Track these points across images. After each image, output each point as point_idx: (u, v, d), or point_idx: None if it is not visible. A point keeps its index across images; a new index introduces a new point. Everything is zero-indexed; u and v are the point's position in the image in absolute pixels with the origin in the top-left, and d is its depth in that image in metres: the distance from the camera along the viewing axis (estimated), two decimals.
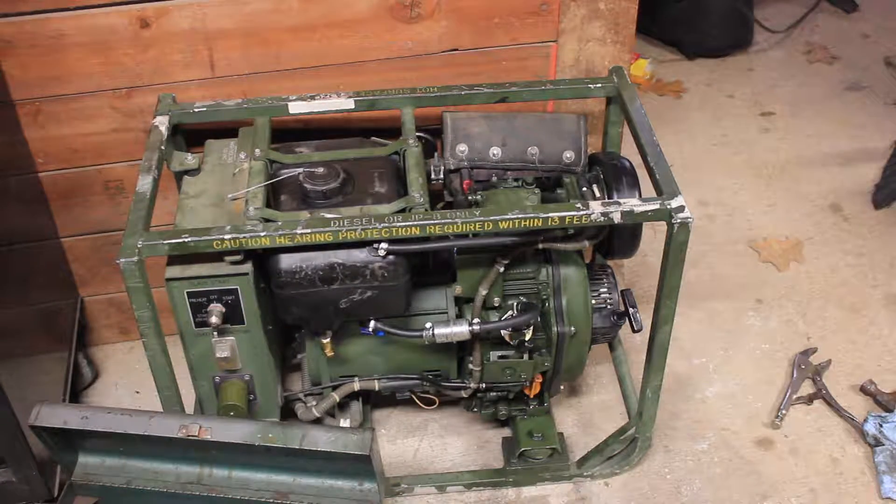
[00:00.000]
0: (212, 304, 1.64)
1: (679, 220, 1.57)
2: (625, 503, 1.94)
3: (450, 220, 1.56)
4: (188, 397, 1.74)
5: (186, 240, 1.53)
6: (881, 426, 2.02)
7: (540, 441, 1.94)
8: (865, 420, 2.05)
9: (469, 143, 1.79)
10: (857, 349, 2.26)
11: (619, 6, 1.92)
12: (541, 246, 1.72)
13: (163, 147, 1.72)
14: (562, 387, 1.96)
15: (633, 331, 1.83)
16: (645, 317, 1.79)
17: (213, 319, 1.62)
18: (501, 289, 1.76)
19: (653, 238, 2.44)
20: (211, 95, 1.89)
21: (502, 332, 1.73)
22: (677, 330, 1.78)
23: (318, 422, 1.85)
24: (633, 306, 1.84)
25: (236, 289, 1.63)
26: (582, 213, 1.57)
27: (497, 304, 1.76)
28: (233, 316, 1.66)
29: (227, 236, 1.53)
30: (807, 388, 2.16)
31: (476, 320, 1.71)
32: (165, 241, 1.53)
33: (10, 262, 1.86)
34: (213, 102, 1.83)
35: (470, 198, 1.74)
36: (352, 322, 1.76)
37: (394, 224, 1.55)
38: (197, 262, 1.62)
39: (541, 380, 1.86)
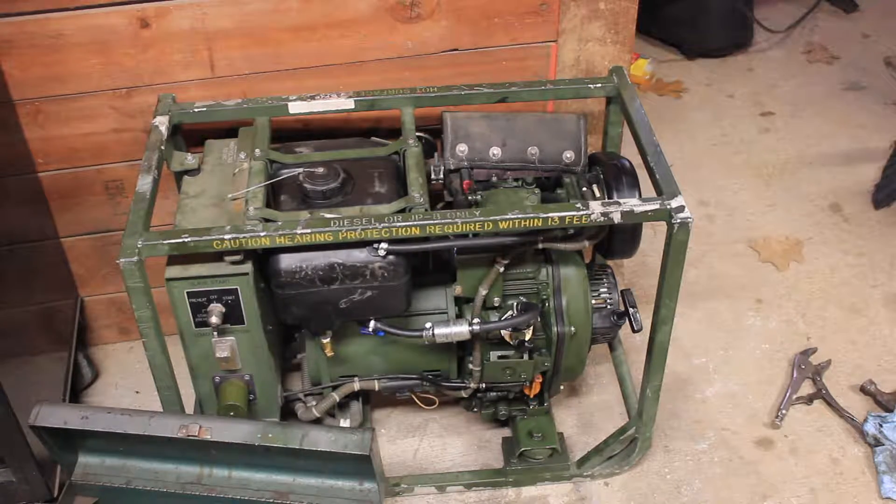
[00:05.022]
0: (212, 304, 1.64)
1: (679, 220, 1.57)
2: (625, 503, 1.94)
3: (450, 220, 1.56)
4: (188, 397, 1.74)
5: (186, 240, 1.53)
6: (881, 426, 2.02)
7: (540, 441, 1.94)
8: (865, 420, 2.05)
9: (469, 143, 1.79)
10: (857, 349, 2.26)
11: (619, 6, 1.92)
12: (541, 246, 1.72)
13: (163, 147, 1.72)
14: (562, 387, 1.96)
15: (633, 331, 1.83)
16: (645, 317, 1.79)
17: (213, 319, 1.62)
18: (501, 289, 1.76)
19: (653, 238, 2.44)
20: (211, 95, 1.89)
21: (502, 332, 1.73)
22: (677, 330, 1.78)
23: (318, 422, 1.85)
24: (633, 306, 1.83)
25: (236, 289, 1.63)
26: (582, 213, 1.57)
27: (497, 304, 1.76)
28: (233, 316, 1.66)
29: (227, 236, 1.53)
30: (807, 388, 2.16)
31: (476, 320, 1.71)
32: (165, 241, 1.53)
33: (10, 262, 1.86)
34: (213, 102, 1.83)
35: (470, 198, 1.74)
36: (352, 322, 1.76)
37: (394, 224, 1.55)
38: (197, 262, 1.62)
39: (541, 380, 1.86)
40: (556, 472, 1.96)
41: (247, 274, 1.62)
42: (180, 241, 1.53)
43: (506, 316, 1.74)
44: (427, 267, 1.84)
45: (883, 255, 2.51)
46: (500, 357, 1.80)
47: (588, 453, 1.97)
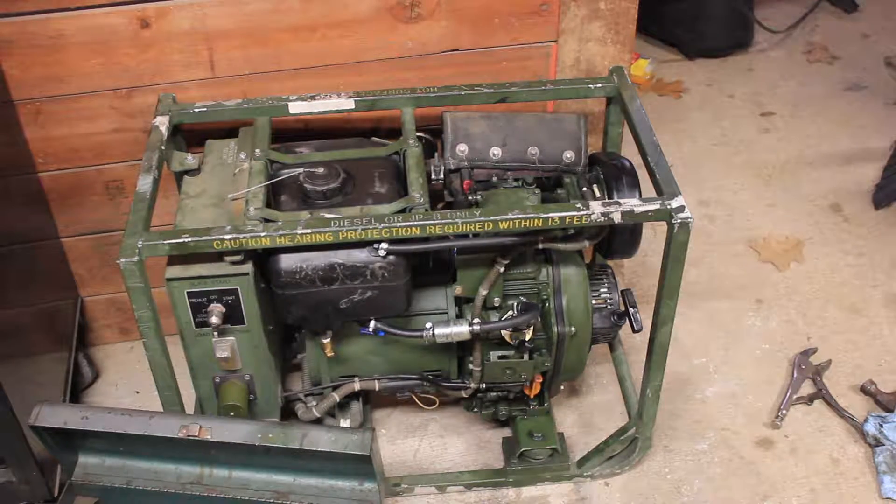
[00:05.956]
0: (212, 304, 1.63)
1: (679, 220, 1.57)
2: (625, 503, 1.94)
3: (450, 221, 1.56)
4: (188, 397, 1.74)
5: (187, 240, 1.53)
6: (881, 426, 2.02)
7: (540, 441, 1.94)
8: (865, 420, 2.05)
9: (469, 143, 1.79)
10: (857, 349, 2.26)
11: (619, 6, 1.92)
12: (541, 246, 1.72)
13: (163, 147, 1.72)
14: (562, 387, 1.96)
15: (634, 331, 1.83)
16: (645, 317, 1.79)
17: (214, 319, 1.62)
18: (501, 289, 1.76)
19: (653, 238, 2.44)
20: (211, 95, 1.89)
21: (502, 332, 1.73)
22: (677, 330, 1.78)
23: (318, 422, 1.85)
24: (634, 306, 1.83)
25: (236, 289, 1.63)
26: (582, 213, 1.57)
27: (497, 304, 1.76)
28: (233, 316, 1.66)
29: (227, 236, 1.53)
30: (807, 389, 2.16)
31: (476, 320, 1.71)
32: (166, 241, 1.53)
33: (10, 262, 1.86)
34: (213, 102, 1.83)
35: (470, 198, 1.74)
36: (352, 322, 1.76)
37: (394, 224, 1.55)
38: (197, 262, 1.62)
39: (541, 380, 1.86)
40: (556, 472, 1.96)
41: (247, 274, 1.62)
42: (180, 241, 1.53)
43: (506, 316, 1.74)
44: (427, 267, 1.84)
45: (883, 255, 2.51)
46: (500, 357, 1.80)
47: (588, 453, 1.97)
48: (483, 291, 1.72)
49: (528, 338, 1.74)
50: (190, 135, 1.91)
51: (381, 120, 1.98)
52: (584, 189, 1.79)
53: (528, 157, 1.80)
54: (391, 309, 1.70)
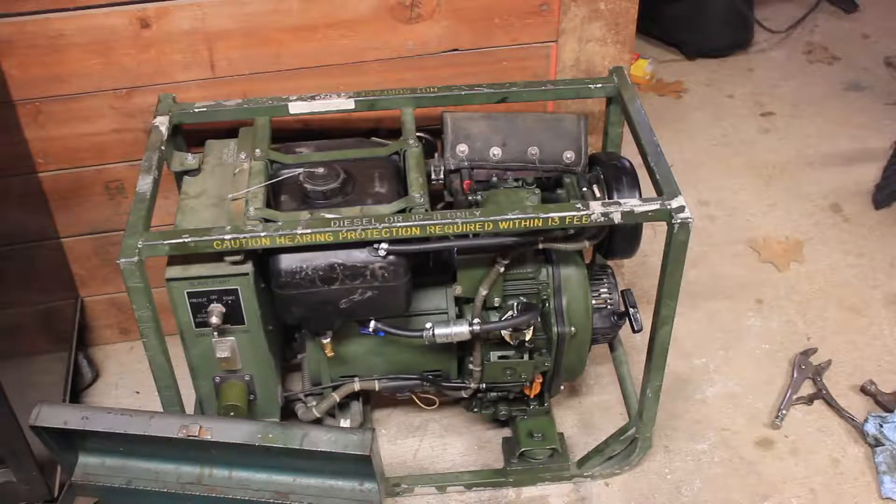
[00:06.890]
0: (212, 305, 1.63)
1: (679, 221, 1.57)
2: (625, 503, 1.94)
3: (450, 221, 1.56)
4: (188, 397, 1.74)
5: (187, 240, 1.53)
6: (881, 426, 2.02)
7: (540, 441, 1.94)
8: (866, 420, 2.05)
9: (469, 144, 1.79)
10: (857, 349, 2.26)
11: (619, 6, 1.92)
12: (541, 246, 1.72)
13: (163, 147, 1.72)
14: (562, 387, 1.96)
15: (634, 331, 1.83)
16: (645, 317, 1.79)
17: (214, 320, 1.62)
18: (502, 289, 1.76)
19: (653, 238, 2.44)
20: (211, 95, 1.89)
21: (502, 332, 1.73)
22: (677, 330, 1.78)
23: (318, 422, 1.85)
24: (634, 306, 1.83)
25: (237, 289, 1.63)
26: (582, 213, 1.57)
27: (497, 305, 1.76)
28: (233, 316, 1.66)
29: (227, 236, 1.53)
30: (807, 389, 2.16)
31: (476, 320, 1.71)
32: (166, 242, 1.53)
33: (10, 262, 1.86)
34: (213, 102, 1.83)
35: (470, 198, 1.74)
36: (352, 322, 1.76)
37: (394, 224, 1.55)
38: (197, 262, 1.62)
39: (541, 380, 1.86)
40: (556, 472, 1.96)
41: (247, 274, 1.62)
42: (180, 241, 1.53)
43: (506, 316, 1.74)
44: (427, 267, 1.84)
45: (883, 256, 2.51)
46: (500, 357, 1.80)
47: (588, 453, 1.97)
48: (483, 291, 1.72)
49: (528, 338, 1.74)
50: (190, 135, 1.91)
51: (381, 120, 1.98)
52: (584, 189, 1.79)
53: (528, 157, 1.80)
54: (391, 309, 1.70)
